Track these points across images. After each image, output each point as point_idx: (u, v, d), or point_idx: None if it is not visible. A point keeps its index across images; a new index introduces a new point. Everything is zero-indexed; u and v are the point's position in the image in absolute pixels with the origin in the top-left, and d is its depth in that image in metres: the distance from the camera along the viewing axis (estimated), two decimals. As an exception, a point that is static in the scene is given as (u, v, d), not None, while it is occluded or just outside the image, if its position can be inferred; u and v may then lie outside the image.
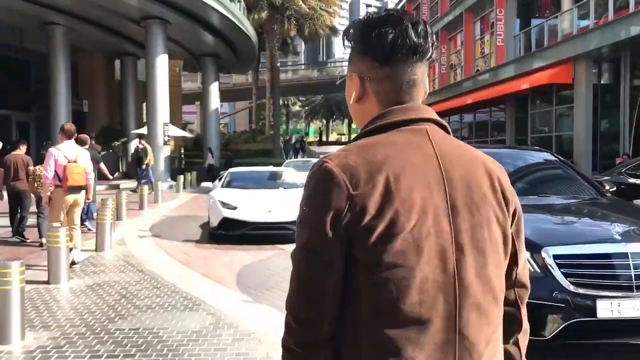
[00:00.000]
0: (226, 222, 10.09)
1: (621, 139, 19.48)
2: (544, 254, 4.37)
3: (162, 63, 22.40)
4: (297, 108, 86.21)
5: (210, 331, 5.11)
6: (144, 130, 23.89)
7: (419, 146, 1.24)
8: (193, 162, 31.83)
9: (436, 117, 1.31)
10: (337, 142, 77.27)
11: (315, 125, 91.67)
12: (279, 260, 8.63)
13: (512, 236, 1.31)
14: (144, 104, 37.51)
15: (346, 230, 1.16)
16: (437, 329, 1.16)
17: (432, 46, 1.31)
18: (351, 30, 1.35)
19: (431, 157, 1.24)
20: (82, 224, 11.08)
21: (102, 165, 11.63)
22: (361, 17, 1.34)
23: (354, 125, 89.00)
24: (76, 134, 8.23)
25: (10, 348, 4.66)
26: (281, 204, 10.31)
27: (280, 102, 77.45)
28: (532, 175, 6.52)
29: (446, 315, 1.17)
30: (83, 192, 7.94)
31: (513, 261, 1.33)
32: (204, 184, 12.52)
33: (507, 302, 1.33)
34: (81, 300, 6.17)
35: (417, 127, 1.27)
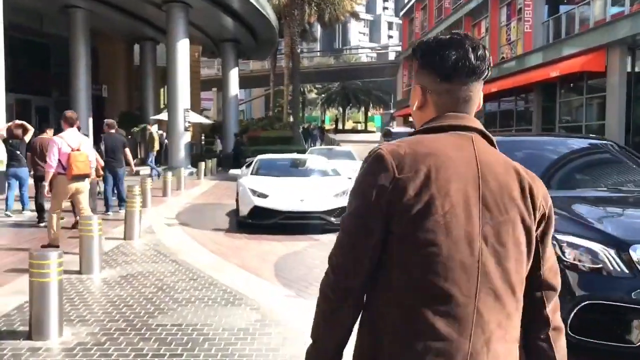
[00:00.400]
0: (257, 211, 9.75)
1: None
2: (632, 253, 3.97)
3: (183, 48, 22.05)
4: (312, 95, 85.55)
5: (257, 329, 4.78)
6: (164, 116, 23.62)
7: (461, 147, 1.44)
8: (211, 149, 31.57)
9: (482, 128, 1.51)
10: (353, 130, 76.80)
11: (330, 112, 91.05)
12: (315, 252, 8.29)
13: (537, 239, 1.47)
14: (162, 90, 37.41)
15: (387, 206, 1.37)
16: (458, 304, 1.34)
17: (488, 67, 1.50)
18: (419, 48, 1.55)
19: (471, 158, 1.42)
20: (108, 210, 10.92)
21: (128, 151, 11.33)
22: (429, 38, 1.53)
23: (370, 114, 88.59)
24: (78, 122, 7.98)
25: (49, 344, 4.35)
26: (313, 192, 9.96)
27: (285, 90, 77.43)
28: (595, 166, 6.09)
29: (467, 294, 1.34)
30: (87, 180, 7.78)
31: (536, 263, 1.48)
32: (232, 172, 12.17)
33: (533, 299, 1.48)
34: (117, 292, 5.87)
35: (464, 133, 1.47)
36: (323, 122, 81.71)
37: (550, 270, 1.50)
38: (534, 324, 1.49)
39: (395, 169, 1.39)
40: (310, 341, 1.49)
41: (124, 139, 11.62)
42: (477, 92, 1.52)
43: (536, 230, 1.46)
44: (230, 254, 8.08)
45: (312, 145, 37.20)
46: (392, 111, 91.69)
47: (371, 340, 1.40)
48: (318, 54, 70.14)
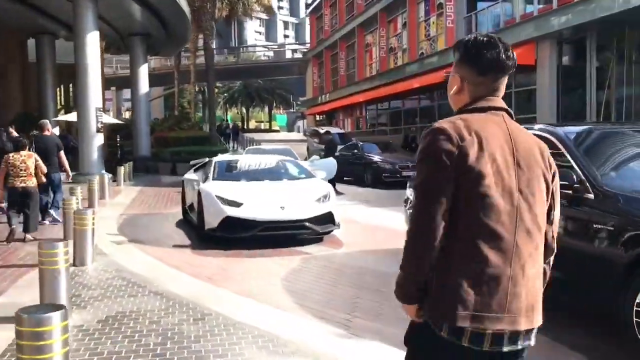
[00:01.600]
0: (229, 222, 8.34)
1: (588, 120, 19.17)
2: None
3: (93, 41, 19.78)
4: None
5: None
6: (72, 117, 21.17)
7: (497, 123, 1.95)
8: (119, 152, 29.02)
9: (507, 108, 1.99)
10: (257, 130, 75.12)
11: (232, 112, 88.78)
12: (316, 268, 7.06)
13: (552, 190, 2.00)
14: (58, 89, 34.10)
15: (454, 167, 1.81)
16: (503, 239, 1.82)
17: (514, 65, 1.97)
18: (462, 46, 2.00)
19: (505, 131, 1.93)
20: (45, 213, 9.40)
21: (62, 154, 9.52)
22: (469, 37, 2.01)
23: (274, 113, 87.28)
24: None
25: None
26: (293, 198, 8.69)
27: (197, 89, 74.44)
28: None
29: (509, 232, 1.83)
30: None
31: (548, 215, 1.99)
32: (188, 176, 10.57)
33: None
34: (109, 347, 4.35)
35: (497, 112, 1.97)
36: (225, 121, 79.00)
37: (555, 216, 2.03)
38: (544, 252, 1.99)
39: (458, 138, 1.83)
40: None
41: (58, 140, 9.79)
42: (504, 83, 2.00)
43: (552, 183, 1.99)
44: (219, 277, 6.66)
45: (227, 144, 35.51)
46: (295, 110, 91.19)
47: (438, 267, 1.84)
48: (225, 51, 67.75)
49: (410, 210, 1.94)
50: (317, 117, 51.04)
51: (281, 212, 8.38)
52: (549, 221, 1.99)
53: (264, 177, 9.75)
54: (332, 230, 8.76)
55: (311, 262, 7.45)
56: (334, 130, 28.02)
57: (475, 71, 1.95)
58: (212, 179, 9.39)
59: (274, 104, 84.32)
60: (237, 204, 8.45)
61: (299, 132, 63.12)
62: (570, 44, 20.15)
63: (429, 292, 1.86)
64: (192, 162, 14.93)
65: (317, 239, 8.74)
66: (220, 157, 10.74)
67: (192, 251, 8.27)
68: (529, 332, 1.89)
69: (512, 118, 1.98)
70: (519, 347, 1.88)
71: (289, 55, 73.50)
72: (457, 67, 2.01)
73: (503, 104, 1.97)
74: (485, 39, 1.95)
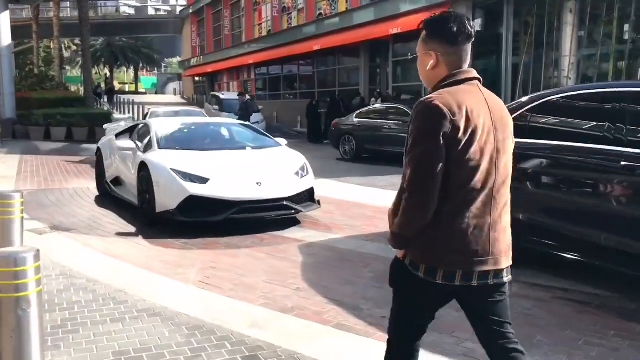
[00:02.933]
0: (193, 203, 6.59)
1: (503, 87, 19.04)
2: None
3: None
4: (68, 54, 75.52)
5: None
6: None
7: (476, 93, 2.15)
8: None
9: (478, 76, 2.21)
10: (122, 92, 69.67)
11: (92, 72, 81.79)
12: (326, 261, 5.60)
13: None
14: None
15: (445, 140, 2.02)
16: (484, 193, 2.11)
17: (475, 33, 2.18)
18: (428, 24, 2.20)
19: (482, 98, 2.15)
20: None
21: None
22: (430, 16, 2.22)
23: (141, 75, 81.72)
24: None
25: None
26: (269, 172, 7.09)
27: (52, 45, 67.43)
28: None
29: (489, 186, 2.11)
30: None
31: None
32: (112, 142, 8.47)
33: None
34: None
35: (472, 82, 2.17)
36: (110, 82, 71.99)
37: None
38: None
39: (449, 113, 2.02)
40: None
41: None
42: (469, 49, 2.19)
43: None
44: (210, 278, 4.98)
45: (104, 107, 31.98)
46: (164, 71, 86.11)
47: (430, 223, 2.08)
48: (101, 3, 61.47)
49: (407, 182, 2.09)
50: (197, 79, 48.13)
51: (258, 189, 6.76)
52: None
53: (222, 145, 7.97)
54: (313, 209, 7.29)
55: (311, 250, 5.96)
56: (227, 96, 25.86)
57: (445, 42, 2.14)
58: (158, 148, 7.46)
59: (140, 65, 79.01)
60: (203, 180, 6.70)
61: (175, 94, 59.32)
62: (485, 8, 19.83)
63: (419, 243, 2.13)
64: (106, 126, 12.57)
65: (292, 220, 7.24)
66: (158, 121, 8.69)
67: (147, 241, 6.40)
68: (507, 269, 2.21)
69: (481, 84, 2.21)
70: (491, 282, 2.17)
71: (152, 12, 68.49)
72: (427, 44, 2.20)
73: (475, 73, 2.20)
74: (445, 14, 2.20)
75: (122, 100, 34.44)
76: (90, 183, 10.65)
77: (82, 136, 21.48)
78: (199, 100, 44.78)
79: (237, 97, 20.28)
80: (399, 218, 2.12)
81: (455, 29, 2.11)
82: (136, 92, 69.32)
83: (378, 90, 23.38)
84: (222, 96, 23.05)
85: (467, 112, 2.03)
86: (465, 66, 2.18)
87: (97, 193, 9.52)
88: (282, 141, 8.37)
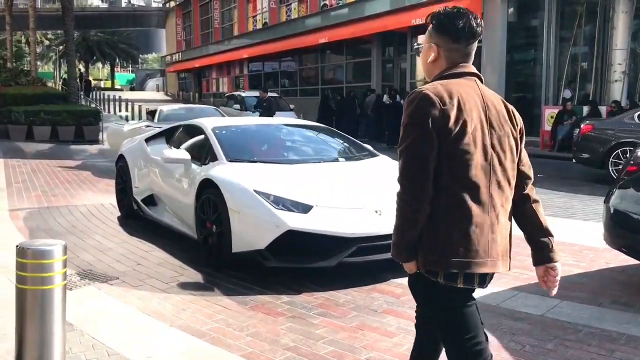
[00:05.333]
0: (291, 241, 4.56)
1: (543, 82, 17.30)
2: None
3: None
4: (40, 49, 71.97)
5: None
6: None
7: (472, 87, 2.12)
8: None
9: (479, 73, 2.18)
10: (98, 88, 66.52)
11: (65, 68, 78.51)
12: (499, 327, 3.66)
13: (519, 145, 2.20)
14: None
15: (438, 129, 1.99)
16: (481, 192, 2.04)
17: (482, 31, 2.16)
18: (436, 17, 2.16)
19: (478, 94, 2.12)
20: None
21: None
22: (440, 10, 2.18)
23: (118, 72, 78.55)
24: None
25: None
26: (385, 195, 5.03)
27: (23, 40, 64.12)
28: None
29: (485, 184, 2.04)
30: None
31: (518, 161, 2.19)
32: (145, 148, 6.41)
33: (518, 184, 2.18)
34: None
35: (470, 77, 2.15)
36: (63, 79, 69.24)
37: (525, 165, 2.23)
38: (520, 199, 2.20)
39: (440, 102, 2.00)
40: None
41: None
42: (474, 49, 2.18)
43: (518, 140, 2.19)
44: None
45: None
46: (141, 67, 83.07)
47: (430, 222, 2.02)
48: None
49: (399, 174, 2.03)
50: (182, 75, 45.71)
51: (379, 220, 4.74)
52: (521, 164, 2.21)
53: (307, 155, 5.92)
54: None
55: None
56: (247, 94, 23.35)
57: (449, 39, 2.13)
58: (227, 160, 5.38)
59: (117, 60, 76.08)
60: (305, 208, 4.67)
61: (158, 91, 56.56)
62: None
63: (419, 245, 2.05)
64: (127, 127, 10.39)
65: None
66: (208, 121, 6.53)
67: (229, 300, 4.33)
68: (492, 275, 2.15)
69: (482, 82, 2.18)
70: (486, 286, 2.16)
71: (124, 5, 65.37)
72: (431, 37, 2.18)
73: (475, 70, 2.18)
74: (455, 9, 2.14)
75: (106, 97, 31.99)
76: (102, 197, 8.56)
77: (69, 136, 19.22)
78: (185, 97, 42.43)
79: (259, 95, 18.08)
80: (397, 221, 2.06)
81: (460, 26, 2.11)
82: (112, 89, 66.46)
83: (394, 87, 21.49)
84: (243, 94, 20.71)
85: (459, 102, 2.04)
86: (467, 62, 2.18)
87: (117, 212, 7.44)
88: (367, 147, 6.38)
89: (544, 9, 16.91)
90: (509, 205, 2.13)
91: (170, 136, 6.81)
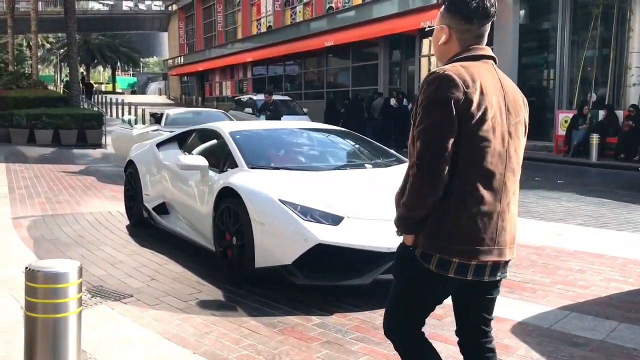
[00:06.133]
0: (320, 256, 4.18)
1: (557, 85, 16.95)
2: None
3: None
4: (41, 52, 71.64)
5: None
6: None
7: (490, 71, 2.07)
8: None
9: (494, 55, 2.12)
10: (100, 91, 66.16)
11: (67, 71, 78.19)
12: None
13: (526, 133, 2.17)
14: None
15: (459, 112, 1.92)
16: (495, 178, 2.00)
17: (496, 11, 2.08)
18: None
19: (496, 78, 2.07)
20: None
21: None
22: None
23: (119, 76, 78.13)
24: None
25: None
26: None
27: (24, 43, 63.71)
28: None
29: (501, 172, 2.01)
30: None
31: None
32: (156, 153, 6.06)
33: None
34: None
35: (487, 61, 2.09)
36: (64, 82, 69.12)
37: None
38: None
39: (463, 85, 1.93)
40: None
41: None
42: (487, 30, 2.10)
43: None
44: None
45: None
46: (143, 71, 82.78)
47: (436, 203, 1.96)
48: None
49: (416, 155, 1.96)
50: (184, 79, 45.38)
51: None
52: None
53: (332, 162, 5.54)
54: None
55: (538, 342, 3.61)
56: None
57: (461, 19, 2.06)
58: (248, 166, 5.00)
59: (119, 64, 75.81)
60: (336, 219, 4.29)
61: (160, 94, 56.18)
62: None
63: (425, 225, 2.00)
64: (136, 132, 10.03)
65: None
66: (225, 125, 6.14)
67: (252, 319, 3.95)
68: (506, 264, 2.09)
69: (496, 64, 2.12)
70: (498, 278, 2.09)
71: (126, 9, 65.21)
72: (443, 18, 2.12)
73: (491, 52, 2.11)
74: None
75: (108, 100, 31.65)
76: (108, 204, 8.19)
77: (71, 140, 18.90)
78: (188, 101, 42.12)
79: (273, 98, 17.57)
80: (406, 198, 2.00)
81: (473, 6, 2.04)
82: (114, 92, 66.25)
83: (402, 91, 21.14)
84: (255, 97, 20.27)
85: (481, 87, 1.97)
86: (481, 44, 2.12)
87: (126, 220, 7.07)
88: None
89: (558, 11, 16.59)
90: (518, 192, 2.12)
91: (183, 141, 6.44)
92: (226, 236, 4.78)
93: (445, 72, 1.94)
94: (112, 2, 77.18)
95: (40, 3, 49.53)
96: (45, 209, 7.88)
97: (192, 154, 5.65)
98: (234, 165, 5.11)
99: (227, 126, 5.88)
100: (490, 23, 2.10)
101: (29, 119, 19.41)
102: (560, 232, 6.64)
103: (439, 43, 2.12)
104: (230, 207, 4.69)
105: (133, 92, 69.59)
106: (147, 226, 6.62)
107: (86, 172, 11.95)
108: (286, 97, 20.07)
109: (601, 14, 15.29)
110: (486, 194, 1.97)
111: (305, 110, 19.13)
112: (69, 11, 24.91)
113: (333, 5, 25.92)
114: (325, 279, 4.30)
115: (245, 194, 4.54)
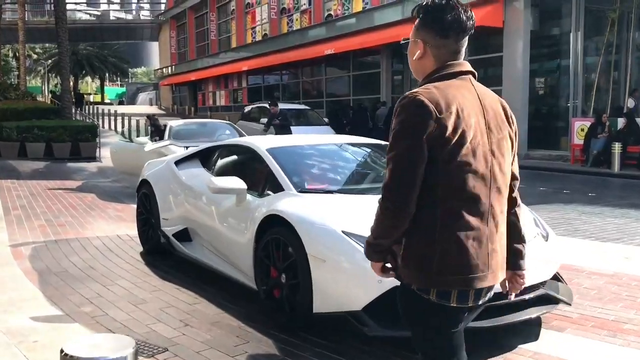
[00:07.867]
0: (395, 300, 3.45)
1: (571, 92, 16.38)
2: None
3: None
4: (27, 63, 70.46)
5: None
6: None
7: (468, 88, 1.96)
8: None
9: (473, 70, 2.01)
10: (87, 102, 65.08)
11: (53, 82, 77.01)
12: None
13: (514, 146, 2.07)
14: None
15: (430, 139, 1.83)
16: (480, 201, 1.90)
17: (473, 25, 1.97)
18: (421, 10, 1.98)
19: (475, 95, 1.96)
20: None
21: None
22: (426, 1, 1.98)
23: (107, 86, 77.10)
24: None
25: None
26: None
27: (10, 54, 62.57)
28: None
29: (485, 194, 1.91)
30: None
31: (513, 163, 2.08)
32: (178, 173, 5.34)
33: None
34: None
35: (464, 77, 1.98)
36: (52, 92, 67.94)
37: (514, 165, 2.08)
38: (510, 203, 2.06)
39: (436, 111, 1.83)
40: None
41: None
42: (465, 44, 1.99)
43: (515, 140, 2.06)
44: None
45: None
46: (131, 80, 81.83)
47: (421, 235, 1.89)
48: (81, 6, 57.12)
49: (384, 182, 1.91)
50: (175, 89, 44.56)
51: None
52: (513, 175, 2.08)
53: (371, 182, 4.82)
54: (566, 296, 4.23)
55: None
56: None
57: (436, 33, 1.96)
58: (297, 190, 4.28)
59: (107, 74, 74.80)
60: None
61: (151, 105, 55.25)
62: (545, 4, 17.18)
63: (410, 261, 1.92)
64: (148, 147, 9.24)
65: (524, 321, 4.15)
66: (259, 140, 5.40)
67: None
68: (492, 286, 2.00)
69: (475, 79, 2.01)
70: (487, 298, 2.01)
71: (114, 18, 64.20)
72: (417, 32, 2.01)
73: (469, 67, 2.01)
74: (443, 1, 1.95)
75: (99, 111, 30.78)
76: (115, 227, 7.45)
77: (64, 153, 18.10)
78: (180, 111, 41.31)
79: (288, 108, 16.62)
80: (374, 224, 1.97)
81: (449, 20, 1.93)
82: (102, 102, 65.27)
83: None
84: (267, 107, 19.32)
85: (457, 110, 1.88)
86: (458, 60, 2.01)
87: (138, 246, 6.32)
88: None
89: (571, 15, 16.06)
90: (506, 210, 2.04)
91: (206, 159, 5.70)
92: (272, 272, 4.05)
93: (417, 97, 1.86)
94: (98, 13, 76.26)
95: (27, 13, 48.71)
96: (46, 233, 7.10)
97: (224, 176, 4.89)
98: (277, 188, 4.38)
99: (261, 142, 5.15)
100: (467, 38, 1.99)
101: (20, 131, 18.56)
102: (628, 256, 5.97)
103: (414, 58, 2.02)
104: (279, 239, 3.96)
105: (121, 103, 68.64)
106: (163, 253, 5.88)
107: (85, 189, 11.18)
108: (303, 106, 19.18)
109: (618, 17, 14.76)
110: (472, 220, 1.89)
111: (326, 120, 18.23)
112: (61, 20, 24.06)
113: (332, 12, 25.31)
114: (403, 329, 3.57)
115: (299, 224, 3.81)
